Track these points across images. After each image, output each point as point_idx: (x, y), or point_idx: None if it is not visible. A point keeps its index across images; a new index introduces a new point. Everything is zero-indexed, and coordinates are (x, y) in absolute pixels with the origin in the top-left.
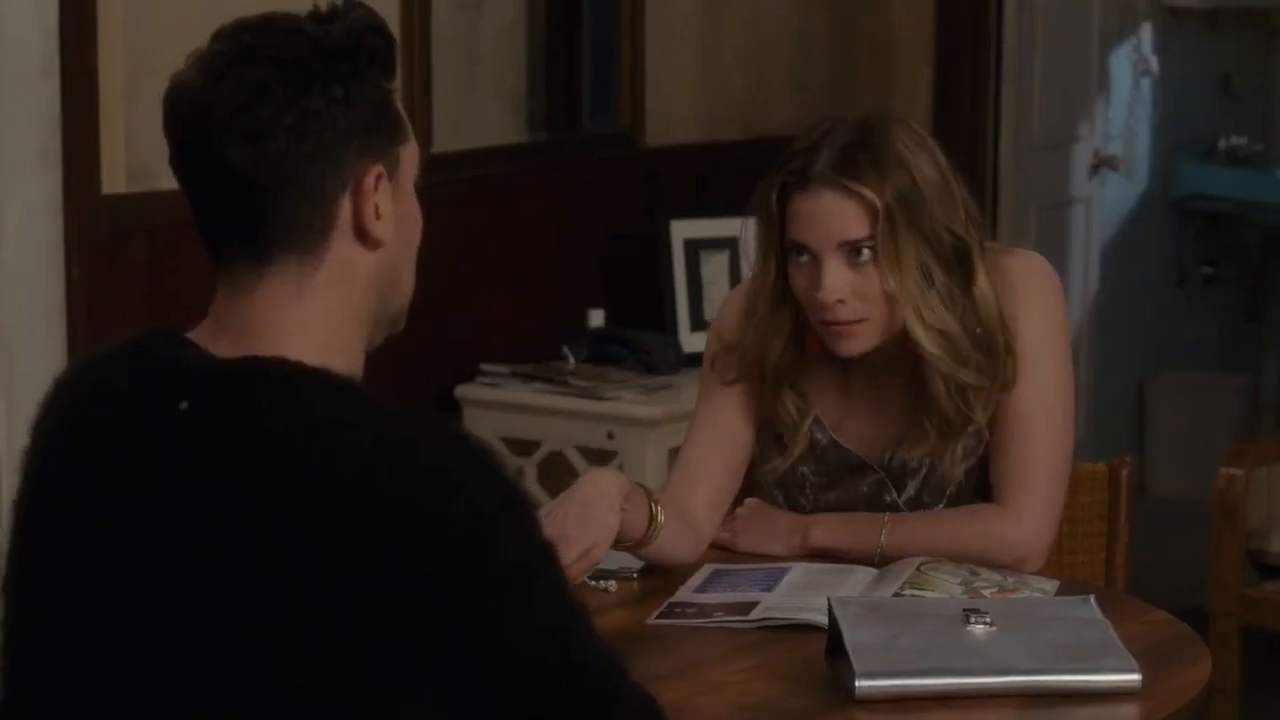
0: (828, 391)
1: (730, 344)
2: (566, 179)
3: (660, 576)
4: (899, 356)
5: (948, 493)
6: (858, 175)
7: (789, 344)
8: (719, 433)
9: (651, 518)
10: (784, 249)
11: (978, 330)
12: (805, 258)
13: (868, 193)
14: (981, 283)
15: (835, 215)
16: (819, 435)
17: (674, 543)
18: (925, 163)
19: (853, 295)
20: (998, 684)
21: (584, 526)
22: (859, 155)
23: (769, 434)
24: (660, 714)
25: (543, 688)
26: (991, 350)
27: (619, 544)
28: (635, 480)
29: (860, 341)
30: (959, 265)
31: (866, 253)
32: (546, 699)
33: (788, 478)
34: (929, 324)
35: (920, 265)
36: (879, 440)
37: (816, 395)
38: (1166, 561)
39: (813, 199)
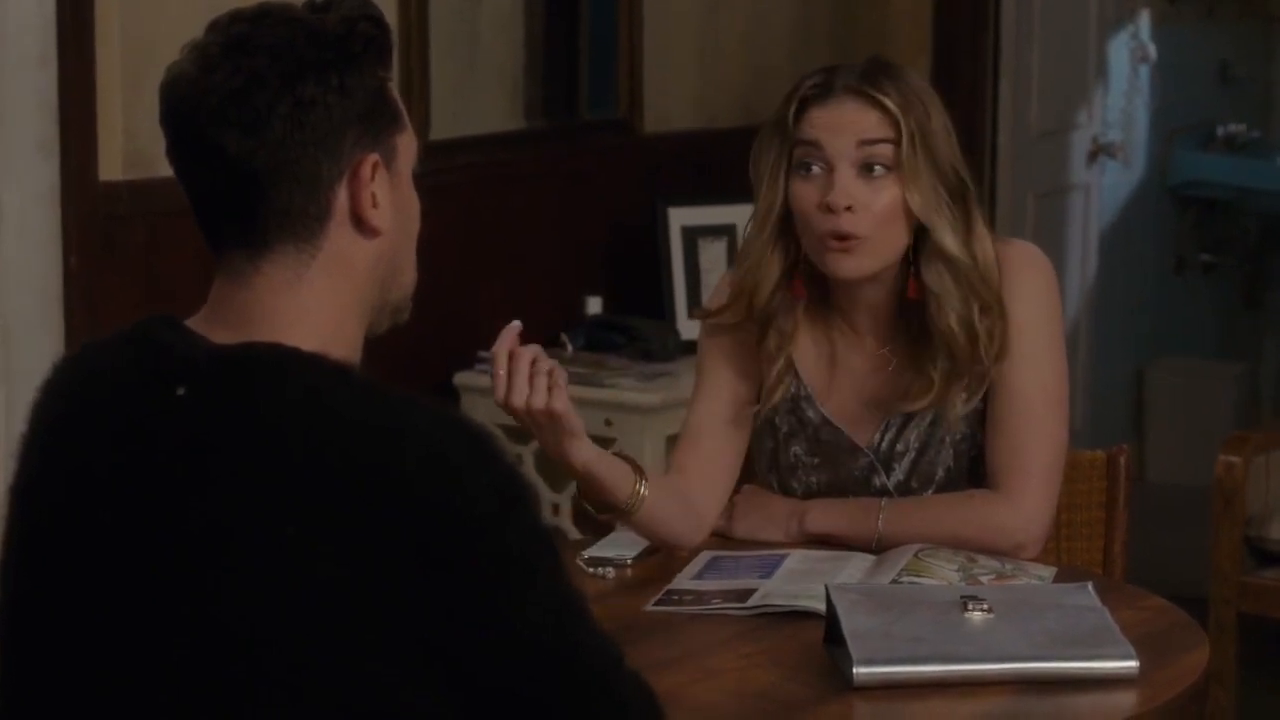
0: (812, 362)
1: (721, 307)
2: (564, 166)
3: (658, 564)
4: (885, 328)
5: (937, 478)
6: (882, 89)
7: (780, 283)
8: (714, 414)
9: (634, 487)
10: (790, 173)
11: (978, 281)
12: (815, 170)
13: (891, 105)
14: (980, 236)
15: (858, 117)
16: (810, 414)
17: (668, 519)
18: (935, 105)
19: (862, 208)
20: (995, 671)
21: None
22: (881, 76)
23: (765, 424)
24: (657, 703)
25: (539, 677)
26: (985, 306)
27: (600, 510)
28: (623, 453)
29: (857, 261)
30: (961, 207)
31: (880, 169)
32: (542, 689)
33: (780, 459)
34: (953, 236)
35: (934, 189)
36: (870, 422)
37: (802, 366)
38: (1164, 549)
39: (835, 106)
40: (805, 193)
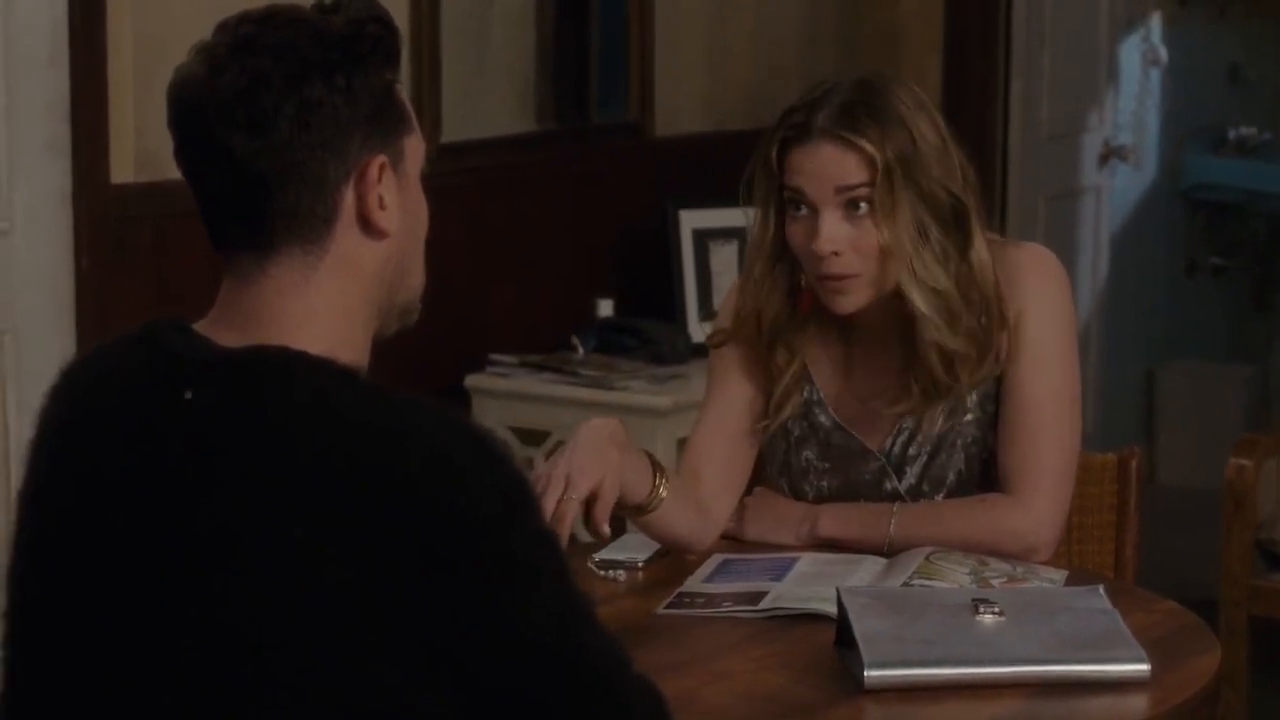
0: (826, 367)
1: (728, 331)
2: (575, 169)
3: (669, 566)
4: (897, 330)
5: (948, 482)
6: (857, 129)
7: (784, 302)
8: (726, 418)
9: (653, 486)
10: (782, 205)
11: (975, 296)
12: (804, 211)
13: (867, 146)
14: (979, 247)
15: (835, 165)
16: (822, 418)
17: (679, 520)
18: (924, 123)
19: (849, 248)
20: (1007, 674)
21: (587, 465)
22: (859, 110)
23: (777, 428)
24: (665, 706)
25: (542, 679)
26: (986, 318)
27: (619, 507)
28: (642, 449)
29: (854, 297)
30: (956, 227)
31: (864, 206)
32: (545, 690)
33: (791, 463)
34: (921, 280)
35: (916, 222)
36: (881, 426)
37: (816, 371)
38: (1175, 552)
39: (813, 151)
40: (796, 233)
